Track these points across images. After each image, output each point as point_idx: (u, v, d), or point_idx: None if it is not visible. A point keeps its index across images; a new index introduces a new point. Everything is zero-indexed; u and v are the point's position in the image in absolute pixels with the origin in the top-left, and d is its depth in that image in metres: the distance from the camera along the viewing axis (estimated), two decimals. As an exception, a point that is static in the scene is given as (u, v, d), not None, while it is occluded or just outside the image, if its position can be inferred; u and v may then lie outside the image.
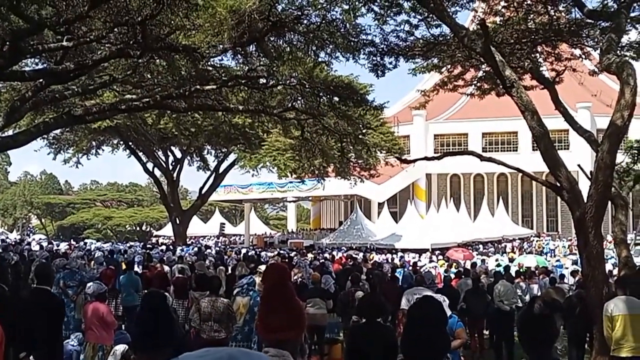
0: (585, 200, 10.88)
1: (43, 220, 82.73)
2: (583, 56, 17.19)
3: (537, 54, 16.31)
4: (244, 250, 33.45)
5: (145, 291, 14.09)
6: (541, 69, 16.16)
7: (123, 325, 12.83)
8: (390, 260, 29.48)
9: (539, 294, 15.50)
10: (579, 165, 14.39)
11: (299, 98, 18.64)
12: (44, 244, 34.86)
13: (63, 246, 32.36)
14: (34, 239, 46.10)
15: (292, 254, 29.27)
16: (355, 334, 6.71)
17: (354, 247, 39.99)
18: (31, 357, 7.43)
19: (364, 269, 20.07)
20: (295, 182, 45.06)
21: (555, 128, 17.99)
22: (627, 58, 12.60)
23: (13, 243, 31.75)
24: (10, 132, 18.90)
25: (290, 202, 63.29)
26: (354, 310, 11.37)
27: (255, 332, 10.32)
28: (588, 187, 10.95)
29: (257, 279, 11.92)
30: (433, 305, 3.12)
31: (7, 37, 11.39)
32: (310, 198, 59.92)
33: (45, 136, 33.64)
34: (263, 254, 30.12)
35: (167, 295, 8.25)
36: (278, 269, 3.09)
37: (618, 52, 12.16)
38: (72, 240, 45.74)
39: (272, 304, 2.81)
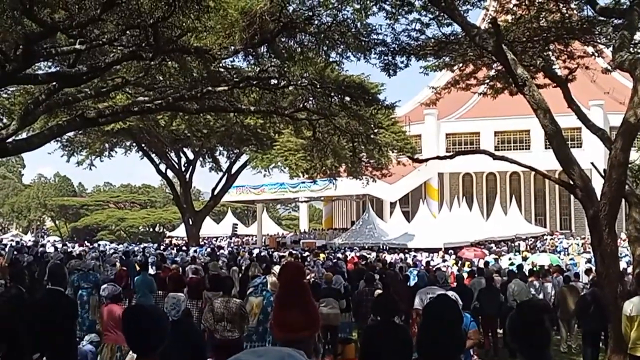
0: (599, 198, 10.84)
1: (57, 222, 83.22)
2: (595, 54, 17.12)
3: (549, 52, 16.25)
4: (256, 251, 33.53)
5: (160, 292, 14.21)
6: (553, 67, 16.10)
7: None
8: (403, 260, 29.42)
9: (553, 292, 15.46)
10: (592, 163, 14.33)
11: (311, 98, 18.65)
12: (59, 245, 35.10)
13: (78, 248, 32.55)
14: (48, 241, 46.40)
15: (305, 254, 29.32)
16: (370, 333, 6.72)
17: (367, 247, 39.98)
18: (44, 358, 7.49)
19: (376, 268, 20.07)
20: (307, 183, 45.13)
21: (567, 126, 17.91)
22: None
23: (28, 245, 31.98)
24: (24, 135, 19.04)
25: (302, 202, 63.34)
26: (368, 310, 11.40)
27: (270, 332, 10.36)
28: (601, 185, 10.92)
29: (271, 279, 11.96)
30: (449, 304, 3.12)
31: (20, 41, 11.47)
32: (322, 198, 59.95)
33: (59, 139, 33.83)
34: (275, 254, 30.19)
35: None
36: (294, 268, 3.09)
37: (631, 49, 12.12)
38: (86, 241, 46.00)
39: (287, 302, 2.82)
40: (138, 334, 3.31)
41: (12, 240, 40.69)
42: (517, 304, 3.54)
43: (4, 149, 13.29)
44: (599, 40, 15.90)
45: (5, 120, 21.04)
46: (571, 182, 11.25)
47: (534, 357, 3.12)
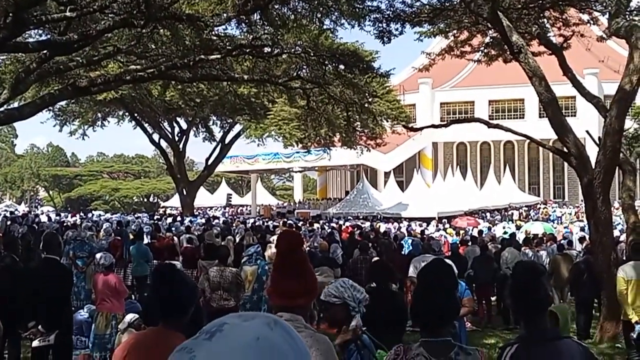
0: (593, 166, 10.85)
1: (51, 192, 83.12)
2: (591, 21, 17.02)
3: (545, 19, 16.13)
4: (251, 221, 33.59)
5: (155, 261, 14.26)
6: (549, 34, 16.00)
7: (133, 295, 12.95)
8: (396, 229, 29.52)
9: (547, 260, 15.55)
10: (587, 132, 14.32)
11: (304, 67, 18.50)
12: (52, 215, 35.06)
13: (71, 218, 32.52)
14: (42, 212, 46.33)
15: (300, 224, 29.39)
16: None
17: (361, 217, 40.08)
18: (40, 326, 7.51)
19: (370, 237, 20.16)
20: (302, 152, 45.00)
21: (562, 95, 17.83)
22: (636, 22, 12.43)
23: (21, 215, 31.93)
24: (15, 104, 18.88)
25: (296, 172, 63.30)
26: (363, 278, 11.43)
27: (265, 300, 10.40)
28: (596, 153, 10.92)
29: (269, 251, 12.01)
30: (443, 269, 3.10)
31: (10, 8, 11.30)
32: (316, 168, 59.93)
33: (51, 108, 33.59)
34: (270, 223, 30.26)
35: (176, 266, 8.33)
36: (291, 236, 3.07)
37: (627, 16, 12.04)
38: (81, 212, 45.96)
39: (285, 270, 2.81)
40: (170, 293, 3.10)
41: (5, 211, 40.58)
42: (514, 265, 3.52)
43: (-4, 118, 13.18)
44: (594, 8, 15.78)
45: (-4, 90, 20.83)
46: (566, 150, 11.25)
47: (530, 319, 3.11)
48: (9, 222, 22.83)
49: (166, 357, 1.09)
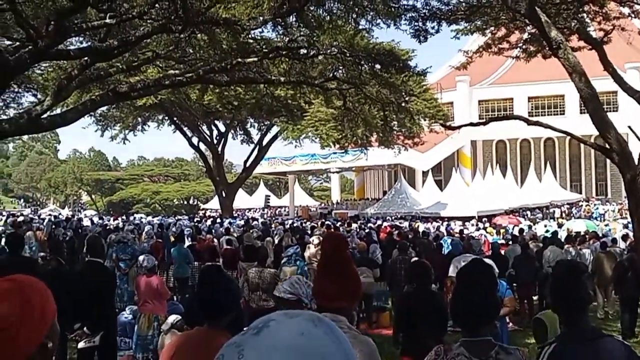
0: (636, 162, 10.66)
1: (93, 196, 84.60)
2: (632, 15, 16.69)
3: (584, 14, 15.88)
4: (289, 222, 33.74)
5: (196, 263, 14.45)
6: (588, 29, 15.75)
7: (175, 297, 13.13)
8: (435, 229, 29.33)
9: (591, 259, 15.30)
10: (629, 127, 14.05)
11: (340, 67, 18.50)
12: (95, 219, 35.70)
13: (113, 221, 33.08)
14: (85, 215, 47.21)
15: (337, 224, 29.43)
16: (405, 300, 6.74)
17: (399, 217, 39.91)
18: (85, 328, 7.66)
19: (409, 237, 20.10)
20: (339, 153, 45.00)
21: (603, 90, 17.51)
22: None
23: (65, 219, 32.58)
24: (58, 111, 19.27)
25: (333, 173, 63.32)
26: (402, 279, 11.42)
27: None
28: (639, 149, 10.73)
29: (308, 252, 12.05)
30: (483, 268, 3.09)
31: (51, 17, 11.53)
32: (353, 168, 59.86)
33: (92, 114, 34.21)
34: (308, 224, 30.35)
35: (221, 267, 8.43)
36: (337, 238, 3.11)
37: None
38: (123, 215, 46.71)
39: (329, 272, 2.84)
40: (211, 294, 3.19)
41: (50, 215, 41.47)
42: (554, 264, 3.50)
43: (39, 125, 13.47)
44: (635, 1, 15.48)
45: (39, 96, 21.31)
46: (607, 146, 11.07)
47: (571, 318, 3.09)
48: (53, 226, 23.33)
49: (213, 356, 1.14)
